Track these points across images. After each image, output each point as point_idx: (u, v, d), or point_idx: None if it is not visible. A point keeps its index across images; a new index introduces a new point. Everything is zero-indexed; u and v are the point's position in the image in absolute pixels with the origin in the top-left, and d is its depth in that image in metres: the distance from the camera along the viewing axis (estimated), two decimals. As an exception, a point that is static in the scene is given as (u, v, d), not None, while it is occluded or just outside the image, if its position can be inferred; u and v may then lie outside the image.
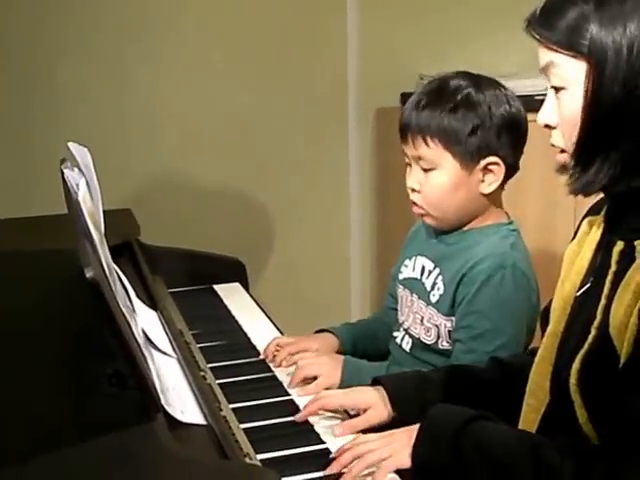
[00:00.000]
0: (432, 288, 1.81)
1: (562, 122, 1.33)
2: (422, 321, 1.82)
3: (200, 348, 1.86)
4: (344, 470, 1.37)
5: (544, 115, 1.36)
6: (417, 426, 1.37)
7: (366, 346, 1.97)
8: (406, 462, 1.35)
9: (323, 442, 1.49)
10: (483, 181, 1.77)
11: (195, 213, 3.04)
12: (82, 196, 1.21)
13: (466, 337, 1.71)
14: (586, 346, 1.30)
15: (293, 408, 1.60)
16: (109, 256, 1.36)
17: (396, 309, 1.95)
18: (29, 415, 1.20)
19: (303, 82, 3.08)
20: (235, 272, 2.38)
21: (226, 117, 3.03)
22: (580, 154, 1.31)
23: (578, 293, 1.39)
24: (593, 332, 1.30)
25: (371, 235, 3.27)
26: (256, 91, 3.04)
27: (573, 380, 1.30)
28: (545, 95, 1.39)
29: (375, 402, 1.55)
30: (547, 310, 1.53)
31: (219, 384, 1.67)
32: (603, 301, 1.30)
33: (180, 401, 1.34)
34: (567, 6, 1.28)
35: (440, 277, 1.80)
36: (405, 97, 3.10)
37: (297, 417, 1.55)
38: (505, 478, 1.30)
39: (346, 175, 3.20)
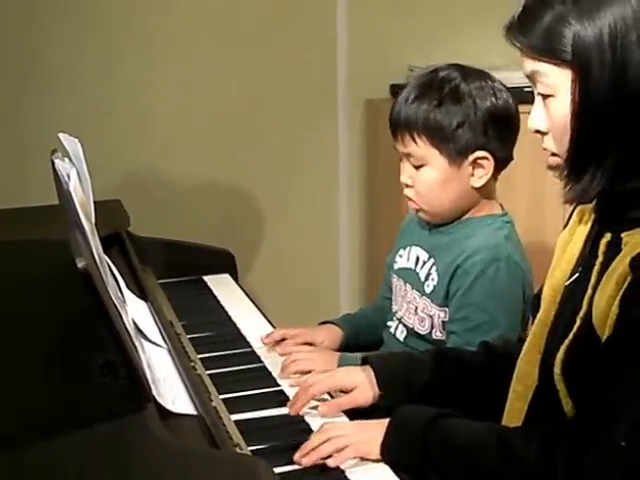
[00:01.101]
0: (426, 278, 1.81)
1: (552, 128, 1.32)
2: (416, 311, 1.82)
3: (190, 339, 1.85)
4: None
5: (534, 122, 1.34)
6: (388, 420, 1.38)
7: (367, 337, 1.97)
8: (371, 453, 1.37)
9: (313, 432, 1.48)
10: (473, 175, 1.76)
11: (184, 204, 3.03)
12: (73, 186, 1.21)
13: (462, 329, 1.71)
14: (570, 336, 1.31)
15: (283, 399, 1.59)
16: (100, 247, 1.36)
17: (390, 298, 1.96)
18: (20, 405, 1.20)
19: (292, 73, 3.07)
20: (225, 263, 2.37)
21: (215, 108, 3.01)
22: (572, 161, 1.30)
23: (567, 282, 1.40)
24: (578, 322, 1.31)
25: (360, 226, 3.27)
26: (245, 82, 3.03)
27: (557, 370, 1.31)
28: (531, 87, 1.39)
29: (361, 382, 1.55)
30: (537, 297, 1.53)
31: (209, 375, 1.67)
32: (589, 291, 1.31)
33: (171, 391, 1.34)
34: (543, 9, 1.27)
35: (434, 267, 1.80)
36: (394, 88, 3.10)
37: (292, 411, 1.54)
38: (474, 469, 1.32)
39: (335, 166, 3.19)
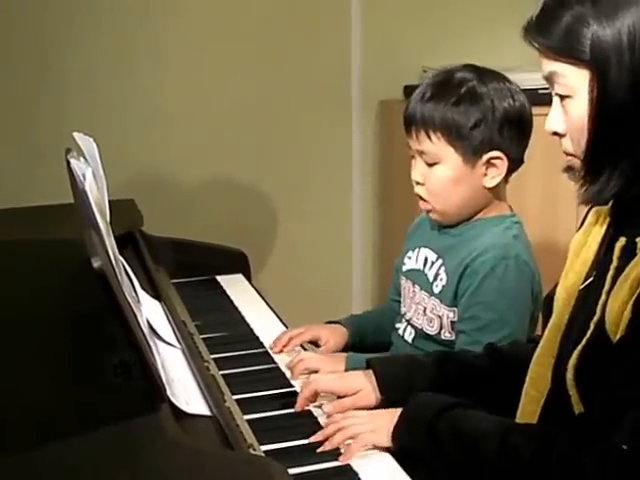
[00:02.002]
0: (435, 279, 1.81)
1: (570, 129, 1.32)
2: (425, 312, 1.82)
3: (203, 339, 1.86)
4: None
5: (552, 123, 1.34)
6: (400, 409, 1.40)
7: (373, 338, 1.98)
8: (384, 441, 1.39)
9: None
10: (486, 175, 1.77)
11: (197, 204, 3.05)
12: (89, 186, 1.21)
13: (471, 328, 1.72)
14: (583, 341, 1.30)
15: (296, 400, 1.60)
16: (115, 246, 1.36)
17: (399, 301, 1.96)
18: (32, 405, 1.20)
19: (306, 74, 3.08)
20: (238, 263, 2.37)
21: (228, 109, 3.02)
22: (590, 162, 1.29)
23: (582, 286, 1.39)
24: (591, 327, 1.30)
25: (373, 227, 3.27)
26: (259, 83, 3.04)
27: (570, 375, 1.30)
28: (546, 89, 1.38)
29: (364, 387, 1.56)
30: (550, 298, 1.53)
31: (222, 375, 1.67)
32: (603, 297, 1.30)
33: (185, 392, 1.34)
34: (562, 10, 1.27)
35: (443, 268, 1.80)
36: (408, 90, 3.09)
37: (297, 407, 1.55)
38: (476, 460, 1.32)
39: (349, 167, 3.20)
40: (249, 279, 2.35)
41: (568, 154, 1.35)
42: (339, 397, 1.57)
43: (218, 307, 2.12)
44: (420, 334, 1.84)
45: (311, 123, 3.12)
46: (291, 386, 1.67)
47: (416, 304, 1.85)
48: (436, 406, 1.37)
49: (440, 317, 1.79)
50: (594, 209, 1.47)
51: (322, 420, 1.52)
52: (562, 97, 1.31)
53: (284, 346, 1.84)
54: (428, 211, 1.84)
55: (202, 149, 3.02)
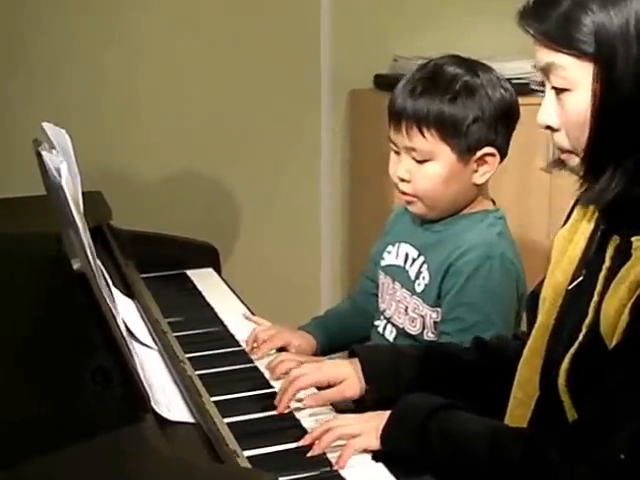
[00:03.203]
0: (417, 277, 1.76)
1: (567, 124, 1.25)
2: (406, 311, 1.77)
3: (176, 337, 1.79)
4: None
5: (545, 116, 1.27)
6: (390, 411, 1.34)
7: (342, 339, 1.91)
8: (374, 444, 1.34)
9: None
10: (476, 171, 1.72)
11: (164, 196, 2.97)
12: (65, 181, 1.14)
13: (455, 330, 1.67)
14: (576, 345, 1.26)
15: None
16: (92, 244, 1.29)
17: (375, 295, 1.90)
18: (6, 417, 1.12)
19: (275, 63, 3.01)
20: (208, 257, 2.31)
21: (197, 99, 2.95)
22: (591, 160, 1.23)
23: (570, 286, 1.34)
24: (584, 330, 1.26)
25: (342, 217, 3.22)
26: (227, 73, 2.97)
27: (562, 380, 1.26)
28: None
29: (349, 375, 1.51)
30: (533, 296, 1.49)
31: (198, 376, 1.61)
32: (595, 298, 1.26)
33: (165, 397, 1.28)
34: None
35: (425, 266, 1.75)
36: (379, 79, 3.06)
37: (278, 407, 1.49)
38: (465, 463, 1.28)
39: (318, 157, 3.14)
40: (219, 273, 2.29)
41: (563, 150, 1.29)
42: (320, 388, 1.52)
43: (190, 303, 2.06)
44: (402, 333, 1.79)
45: (280, 113, 3.05)
46: (271, 387, 1.61)
47: (397, 302, 1.80)
48: (426, 407, 1.33)
49: (423, 317, 1.74)
50: (580, 204, 1.42)
51: (306, 422, 1.47)
52: (559, 90, 1.24)
53: (253, 348, 1.77)
54: (409, 203, 1.77)
55: (169, 140, 2.95)
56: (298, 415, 1.49)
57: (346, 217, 3.22)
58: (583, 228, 1.38)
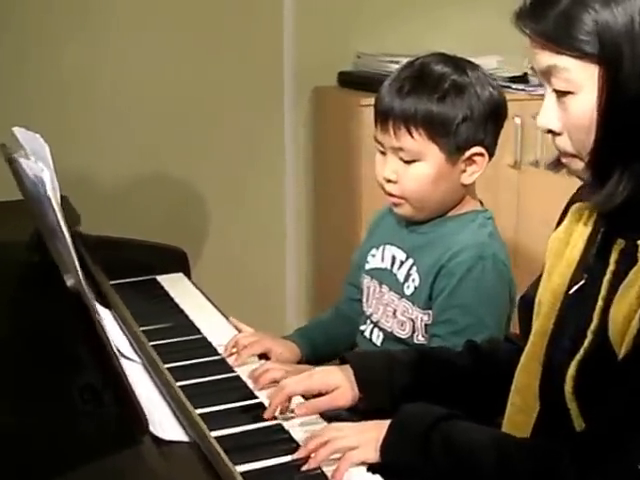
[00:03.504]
0: (406, 280, 1.71)
1: (570, 128, 1.21)
2: (395, 314, 1.72)
3: (153, 347, 1.73)
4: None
5: (546, 120, 1.22)
6: (388, 421, 1.28)
7: (327, 351, 1.86)
8: (372, 456, 1.27)
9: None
10: (465, 171, 1.68)
11: (126, 199, 2.88)
12: (51, 191, 1.08)
13: (447, 332, 1.62)
14: (582, 351, 1.21)
15: (263, 412, 1.49)
16: (75, 256, 1.22)
17: (360, 300, 1.86)
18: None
19: (238, 61, 2.95)
20: (178, 262, 2.25)
21: (159, 99, 2.87)
22: (598, 164, 1.19)
23: (571, 291, 1.30)
24: (590, 337, 1.21)
25: (307, 217, 3.17)
26: (189, 72, 2.89)
27: (569, 388, 1.22)
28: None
29: (341, 383, 1.46)
30: (526, 300, 1.45)
31: (180, 387, 1.55)
32: (600, 303, 1.22)
33: (155, 414, 1.22)
34: None
35: (414, 268, 1.70)
36: (342, 76, 3.03)
37: (266, 414, 1.44)
38: (471, 473, 1.23)
39: (282, 156, 3.09)
40: (189, 278, 2.23)
41: (566, 154, 1.25)
42: (308, 397, 1.46)
43: (163, 311, 1.98)
44: (390, 337, 1.74)
45: (243, 111, 2.99)
46: (255, 397, 1.55)
47: (384, 305, 1.75)
48: (428, 417, 1.27)
49: (413, 320, 1.69)
50: (575, 205, 1.38)
51: (296, 433, 1.41)
52: (561, 92, 1.19)
53: (232, 353, 1.70)
54: (396, 205, 1.73)
55: (132, 142, 2.87)
56: (287, 425, 1.43)
57: (310, 216, 3.17)
58: (580, 230, 1.34)
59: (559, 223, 1.43)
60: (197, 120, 2.93)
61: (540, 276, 1.46)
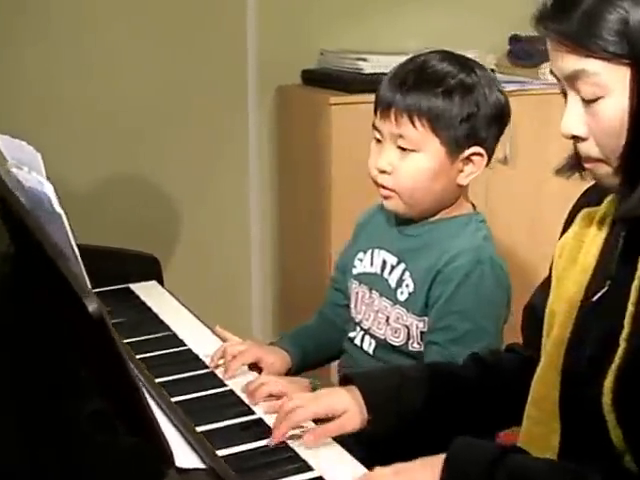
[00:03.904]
0: (398, 285, 1.67)
1: (598, 133, 1.16)
2: (388, 321, 1.67)
3: (139, 360, 1.66)
4: None
5: (571, 126, 1.18)
6: (437, 459, 1.19)
7: (316, 357, 1.82)
8: None
9: (311, 468, 1.31)
10: (462, 171, 1.63)
11: (88, 203, 2.79)
12: (58, 207, 1.00)
13: (445, 340, 1.58)
14: (617, 360, 1.17)
15: (264, 429, 1.42)
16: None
17: (347, 306, 1.80)
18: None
19: (200, 60, 2.88)
20: (150, 269, 2.18)
21: (121, 99, 2.80)
22: (628, 169, 1.15)
23: (594, 298, 1.27)
24: (623, 345, 1.17)
25: (272, 218, 3.11)
26: (151, 71, 2.82)
27: (607, 400, 1.16)
28: None
29: (349, 405, 1.39)
30: (534, 310, 1.41)
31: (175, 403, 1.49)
32: (631, 308, 1.18)
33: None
34: None
35: (407, 273, 1.66)
36: (306, 74, 2.97)
37: (271, 442, 1.37)
38: None
39: (246, 156, 3.02)
40: (162, 284, 2.16)
41: (592, 159, 1.20)
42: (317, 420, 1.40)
43: (142, 321, 1.91)
44: (383, 345, 1.69)
45: (206, 111, 2.92)
46: (253, 413, 1.49)
47: (375, 312, 1.71)
48: (490, 452, 1.18)
49: (407, 327, 1.64)
50: (584, 211, 1.35)
51: (302, 451, 1.35)
52: (589, 97, 1.15)
53: (219, 365, 1.64)
54: (387, 198, 1.66)
55: (93, 144, 2.79)
56: (292, 445, 1.38)
57: (275, 218, 3.11)
58: (592, 235, 1.30)
59: (565, 228, 1.39)
60: (158, 121, 2.86)
61: (544, 284, 1.43)
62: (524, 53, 3.01)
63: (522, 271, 2.76)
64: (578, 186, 1.34)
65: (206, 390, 1.57)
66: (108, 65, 2.77)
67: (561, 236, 1.40)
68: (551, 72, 1.20)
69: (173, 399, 1.50)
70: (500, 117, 1.63)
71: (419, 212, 1.66)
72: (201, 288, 2.93)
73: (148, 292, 2.08)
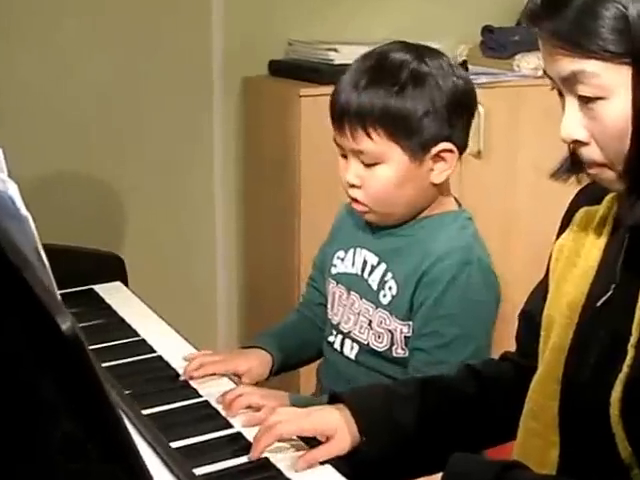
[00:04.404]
0: (381, 287, 1.58)
1: (601, 136, 1.09)
2: (370, 325, 1.59)
3: (106, 369, 1.56)
4: None
5: (572, 130, 1.11)
6: (435, 478, 1.14)
7: (298, 357, 1.75)
8: None
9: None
10: (433, 170, 1.55)
11: (47, 201, 2.66)
12: (24, 210, 0.91)
13: (432, 346, 1.50)
14: (626, 369, 1.10)
15: (244, 444, 1.33)
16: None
17: (324, 305, 1.72)
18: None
19: (162, 51, 2.75)
20: (115, 269, 2.08)
21: (78, 92, 2.66)
22: (633, 173, 1.08)
23: (598, 303, 1.19)
24: (631, 352, 1.10)
25: (238, 213, 3.00)
26: (109, 62, 2.69)
27: (615, 411, 1.10)
28: None
29: (339, 426, 1.30)
30: (530, 316, 1.34)
31: (145, 417, 1.39)
32: (639, 313, 1.11)
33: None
34: None
35: (390, 274, 1.57)
36: (274, 65, 2.88)
37: (252, 455, 1.29)
38: None
39: (211, 149, 2.90)
40: (127, 286, 2.06)
41: (595, 164, 1.13)
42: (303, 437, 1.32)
43: (107, 326, 1.81)
44: (365, 350, 1.60)
45: (169, 104, 2.80)
46: (231, 426, 1.40)
47: (356, 315, 1.62)
48: (491, 467, 1.13)
49: (391, 332, 1.56)
50: (583, 210, 1.28)
51: (285, 468, 1.27)
52: (587, 99, 1.08)
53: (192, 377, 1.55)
54: (364, 213, 1.59)
55: (47, 138, 2.65)
56: (273, 459, 1.29)
57: (241, 214, 3.01)
58: (591, 238, 1.24)
59: (562, 228, 1.32)
60: (119, 116, 2.74)
61: (539, 288, 1.36)
62: (497, 44, 2.94)
63: (496, 269, 2.70)
64: (554, 181, 1.25)
65: (180, 401, 1.48)
66: (65, 55, 2.64)
67: (558, 236, 1.33)
68: (545, 73, 1.13)
69: (144, 412, 1.41)
70: (462, 105, 1.54)
71: (397, 219, 1.59)
72: (164, 287, 2.83)
73: (113, 294, 1.98)
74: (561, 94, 1.14)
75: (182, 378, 1.56)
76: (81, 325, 1.67)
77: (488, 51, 2.97)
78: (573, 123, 1.10)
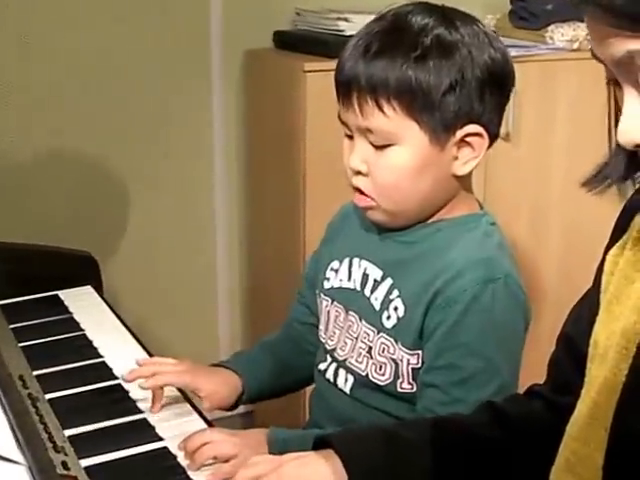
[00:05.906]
0: (384, 307, 1.30)
1: None
2: (370, 353, 1.31)
3: (50, 402, 1.30)
4: None
5: (636, 133, 0.86)
6: None
7: (278, 382, 1.49)
8: None
9: None
10: (457, 158, 1.27)
11: (14, 192, 2.41)
12: None
13: (447, 382, 1.22)
14: None
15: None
16: None
17: (314, 326, 1.46)
18: None
19: (157, 22, 2.50)
20: (85, 271, 1.84)
21: (67, 66, 2.42)
22: None
23: None
24: None
25: (238, 200, 2.75)
26: (99, 34, 2.43)
27: None
28: None
29: (326, 477, 1.06)
30: (569, 338, 1.11)
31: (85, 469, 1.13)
32: None
33: None
34: None
35: (396, 292, 1.29)
36: (278, 36, 2.66)
37: None
38: None
39: (210, 128, 2.65)
40: (100, 291, 1.81)
41: None
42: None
43: (66, 344, 1.56)
44: (363, 382, 1.32)
45: (165, 79, 2.54)
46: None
47: (353, 339, 1.34)
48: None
49: (395, 362, 1.28)
50: None
51: None
52: None
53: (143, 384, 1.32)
54: (368, 208, 1.31)
55: (31, 116, 2.41)
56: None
57: (242, 197, 2.76)
58: None
59: (616, 234, 1.07)
60: (110, 94, 2.49)
61: (583, 305, 1.12)
62: (528, 14, 2.71)
63: (523, 272, 2.46)
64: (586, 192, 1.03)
65: (137, 445, 1.22)
66: (55, 29, 2.38)
67: (610, 243, 1.08)
68: (593, 55, 0.87)
69: (93, 460, 1.15)
70: (497, 84, 1.26)
71: (408, 219, 1.31)
72: (153, 294, 2.63)
73: (79, 302, 1.74)
74: (617, 84, 0.88)
75: (144, 414, 1.30)
76: (27, 343, 1.47)
77: (518, 21, 2.73)
78: (636, 123, 0.84)
